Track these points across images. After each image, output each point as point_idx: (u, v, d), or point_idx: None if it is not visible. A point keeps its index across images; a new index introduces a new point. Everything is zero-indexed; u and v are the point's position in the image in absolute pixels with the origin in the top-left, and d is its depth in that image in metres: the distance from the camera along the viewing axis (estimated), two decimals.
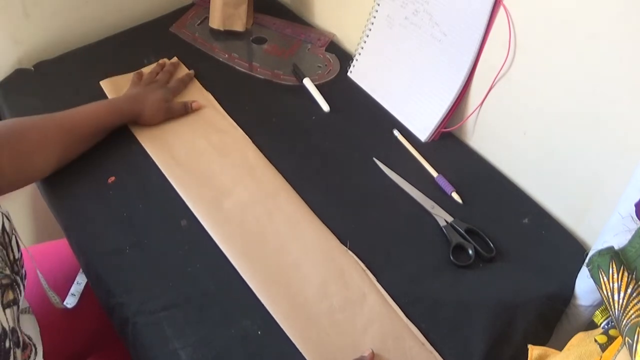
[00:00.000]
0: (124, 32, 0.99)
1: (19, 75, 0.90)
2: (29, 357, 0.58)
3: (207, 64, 0.94)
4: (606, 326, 0.54)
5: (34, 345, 0.61)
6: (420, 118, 0.84)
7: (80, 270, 0.81)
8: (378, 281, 0.67)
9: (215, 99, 0.87)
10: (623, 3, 0.58)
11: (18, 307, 0.56)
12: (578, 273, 0.67)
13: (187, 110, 0.83)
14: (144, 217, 0.71)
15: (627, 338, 0.45)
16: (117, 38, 0.98)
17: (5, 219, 0.59)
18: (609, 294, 0.49)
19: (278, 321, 0.62)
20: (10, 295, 0.55)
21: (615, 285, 0.49)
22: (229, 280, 0.66)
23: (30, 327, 0.64)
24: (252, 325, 0.62)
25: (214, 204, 0.72)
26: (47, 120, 0.71)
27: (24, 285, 0.61)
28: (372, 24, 0.89)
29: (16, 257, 0.59)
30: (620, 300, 0.48)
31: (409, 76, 0.85)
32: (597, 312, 0.55)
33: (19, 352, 0.53)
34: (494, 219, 0.74)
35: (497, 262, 0.70)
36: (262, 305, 0.64)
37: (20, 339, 0.55)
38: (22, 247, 0.62)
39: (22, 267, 0.61)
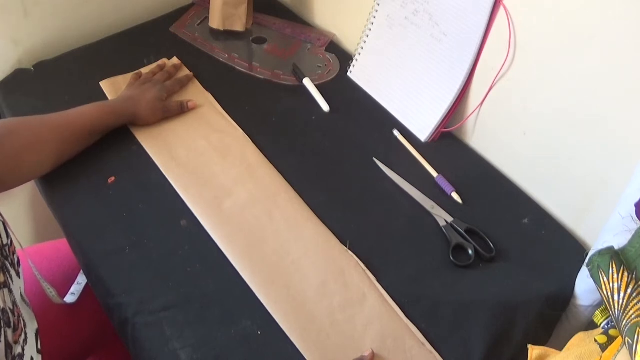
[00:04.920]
0: (124, 32, 0.99)
1: (19, 75, 0.90)
2: (20, 336, 0.58)
3: (207, 64, 0.94)
4: (606, 326, 0.54)
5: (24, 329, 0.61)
6: (420, 118, 0.84)
7: (81, 271, 0.81)
8: (378, 281, 0.67)
9: (215, 99, 0.87)
10: (623, 3, 0.58)
11: (10, 291, 0.57)
12: (578, 273, 0.67)
13: (183, 109, 0.83)
14: (144, 217, 0.71)
15: (627, 338, 0.45)
16: (117, 38, 0.98)
17: None
18: (609, 294, 0.49)
19: (278, 321, 0.62)
20: (0, 278, 0.55)
21: (615, 285, 0.49)
22: (229, 280, 0.66)
23: (27, 319, 0.64)
24: (252, 325, 0.62)
25: (214, 204, 0.72)
26: (40, 120, 0.72)
27: (17, 273, 0.61)
28: (372, 24, 0.89)
29: (5, 242, 0.59)
30: (620, 300, 0.48)
31: (409, 76, 0.85)
32: (597, 312, 0.55)
33: (9, 332, 0.54)
34: (494, 219, 0.74)
35: (497, 262, 0.70)
36: (262, 305, 0.64)
37: (12, 320, 0.55)
38: (11, 235, 0.62)
39: (14, 253, 0.61)
